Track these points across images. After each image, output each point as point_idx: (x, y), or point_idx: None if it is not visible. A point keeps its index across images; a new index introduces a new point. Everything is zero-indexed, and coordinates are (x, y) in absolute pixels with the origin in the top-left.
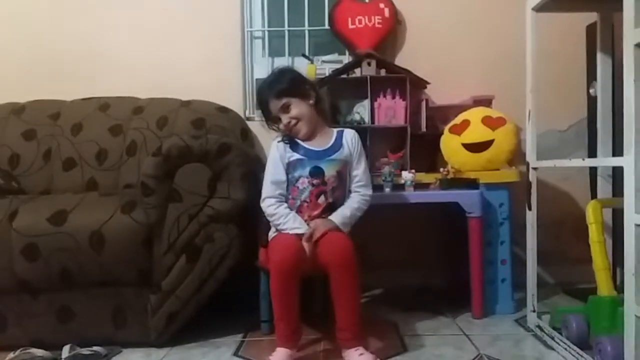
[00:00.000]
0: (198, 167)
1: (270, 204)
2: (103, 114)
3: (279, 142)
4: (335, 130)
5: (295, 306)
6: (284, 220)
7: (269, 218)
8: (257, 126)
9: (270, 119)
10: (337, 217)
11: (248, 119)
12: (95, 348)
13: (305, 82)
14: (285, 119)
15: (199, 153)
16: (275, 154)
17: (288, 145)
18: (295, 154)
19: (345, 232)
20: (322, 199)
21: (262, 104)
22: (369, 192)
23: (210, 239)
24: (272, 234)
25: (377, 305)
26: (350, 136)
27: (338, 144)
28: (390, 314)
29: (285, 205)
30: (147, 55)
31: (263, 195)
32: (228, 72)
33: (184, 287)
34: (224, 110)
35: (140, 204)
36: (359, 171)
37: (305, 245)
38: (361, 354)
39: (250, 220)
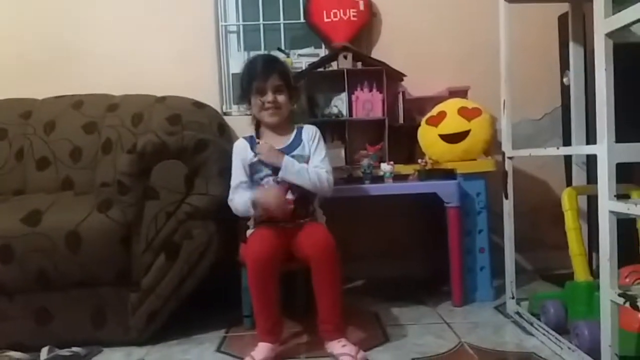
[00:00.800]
0: (174, 163)
1: (231, 199)
2: (76, 111)
3: (240, 141)
4: (296, 127)
5: (275, 299)
6: (241, 200)
7: (235, 212)
8: (234, 121)
9: (251, 91)
10: (289, 160)
11: (225, 114)
12: (74, 349)
13: (297, 85)
14: (270, 97)
15: (175, 150)
16: (236, 157)
17: (249, 145)
18: (256, 155)
19: (288, 175)
20: (289, 195)
21: (257, 71)
22: (329, 176)
23: (189, 236)
24: (249, 230)
25: (359, 297)
26: (308, 132)
27: (297, 141)
28: (372, 305)
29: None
30: (120, 51)
31: (229, 196)
32: (203, 67)
33: (164, 285)
34: (200, 105)
35: (116, 203)
36: (318, 159)
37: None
38: (343, 345)
39: (230, 216)
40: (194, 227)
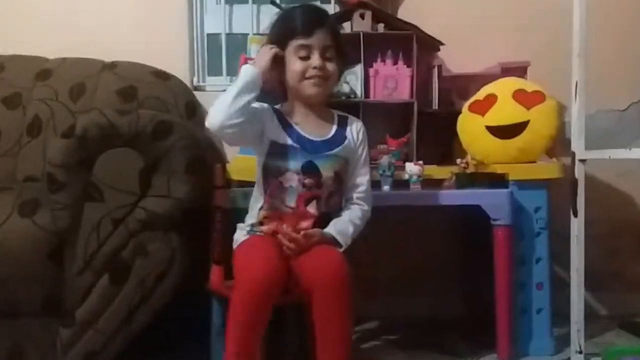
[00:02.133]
0: (126, 153)
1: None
2: None
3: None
4: (336, 114)
5: (259, 342)
6: (229, 90)
7: (217, 123)
8: (208, 98)
9: (286, 47)
10: (335, 230)
11: (196, 88)
12: None
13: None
14: (317, 60)
15: (127, 134)
16: (263, 109)
17: (277, 118)
18: (287, 136)
19: (341, 251)
20: (313, 206)
21: (301, 22)
22: (370, 208)
23: (143, 253)
24: (241, 237)
25: (371, 343)
26: (357, 129)
27: (341, 136)
28: (389, 354)
29: None
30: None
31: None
32: (169, 23)
33: (107, 318)
34: (162, 76)
35: (46, 204)
36: (364, 179)
37: (286, 242)
38: None
39: (199, 227)
40: (150, 240)
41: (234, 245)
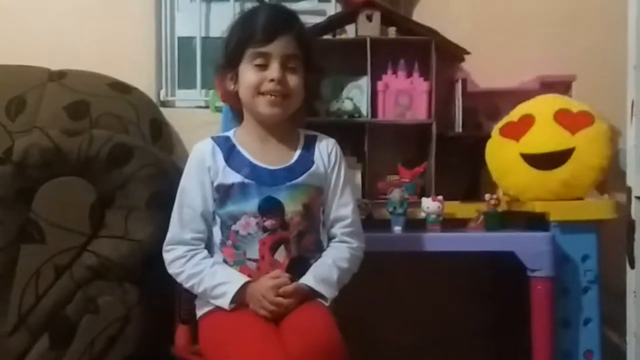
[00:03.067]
0: (74, 183)
1: (176, 257)
2: None
3: (207, 143)
4: (302, 134)
5: None
6: (198, 280)
7: (175, 278)
8: (177, 116)
9: (241, 57)
10: (315, 280)
11: (163, 104)
12: None
13: (317, 62)
14: (276, 71)
15: (76, 160)
16: (197, 165)
17: (222, 152)
18: (234, 173)
19: (329, 302)
20: (281, 253)
21: (258, 25)
22: (363, 244)
23: (93, 309)
24: (204, 305)
25: None
26: (327, 149)
27: (307, 161)
28: None
29: (202, 254)
30: None
31: (167, 237)
32: (131, 25)
33: None
34: (121, 88)
35: None
36: (348, 210)
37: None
38: None
39: (163, 276)
40: (101, 292)
41: (197, 312)
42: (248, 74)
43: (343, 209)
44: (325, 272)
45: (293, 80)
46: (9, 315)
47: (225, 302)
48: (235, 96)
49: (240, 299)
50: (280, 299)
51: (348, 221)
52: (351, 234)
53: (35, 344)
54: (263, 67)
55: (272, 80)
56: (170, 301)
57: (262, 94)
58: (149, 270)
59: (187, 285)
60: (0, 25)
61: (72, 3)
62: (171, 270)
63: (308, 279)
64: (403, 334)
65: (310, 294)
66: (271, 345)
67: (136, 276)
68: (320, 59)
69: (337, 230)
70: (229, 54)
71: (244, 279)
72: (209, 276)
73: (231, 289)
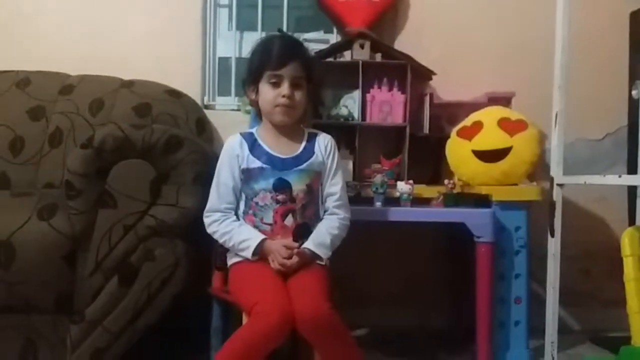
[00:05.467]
0: (139, 164)
1: (213, 220)
2: (21, 91)
3: (236, 137)
4: (307, 132)
5: None
6: (229, 237)
7: (212, 236)
8: (217, 116)
9: (260, 78)
10: (314, 244)
11: (207, 107)
12: None
13: (322, 80)
14: (287, 90)
15: (141, 147)
16: (229, 153)
17: (247, 145)
18: (255, 160)
19: (325, 261)
20: (289, 219)
21: (274, 53)
22: (349, 214)
23: (151, 257)
24: (233, 256)
25: (361, 350)
26: (324, 143)
27: (309, 151)
28: None
29: (232, 219)
30: (80, 21)
31: (207, 206)
32: (183, 47)
33: (115, 317)
34: (175, 94)
35: (63, 209)
36: (337, 188)
37: (276, 265)
38: None
39: (203, 235)
40: (157, 246)
41: (228, 261)
42: (266, 90)
43: (334, 187)
44: (320, 238)
45: (299, 95)
46: (89, 262)
47: (248, 253)
48: (256, 103)
49: (259, 252)
50: (286, 261)
51: (337, 196)
52: (339, 206)
53: (107, 283)
54: (277, 84)
55: (283, 96)
56: (208, 253)
57: (277, 105)
58: (193, 230)
59: (220, 241)
60: (87, 45)
61: (141, 30)
62: (209, 230)
63: (308, 244)
64: (381, 285)
65: (310, 256)
66: (279, 288)
67: (183, 234)
68: (321, 76)
69: (329, 203)
70: (252, 74)
71: (262, 236)
72: (237, 234)
73: (253, 244)
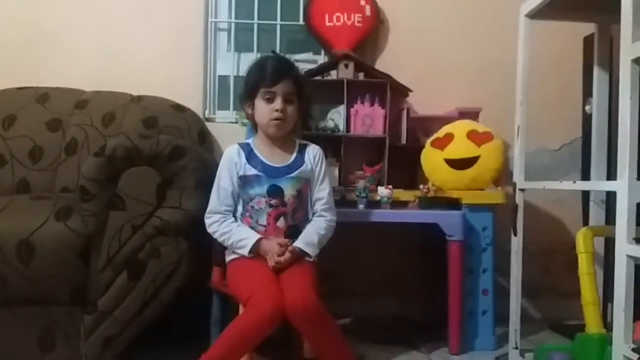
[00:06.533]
0: (146, 171)
1: (213, 221)
2: (40, 106)
3: (234, 147)
4: (297, 142)
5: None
6: (228, 236)
7: (212, 235)
8: (217, 128)
9: (256, 94)
10: (303, 243)
11: (207, 119)
12: None
13: (311, 97)
14: (279, 105)
15: (148, 155)
16: (228, 161)
17: (244, 154)
18: (251, 168)
19: (313, 258)
20: (281, 221)
21: (268, 72)
22: (335, 217)
23: (157, 254)
24: (230, 254)
25: (344, 336)
26: (313, 153)
27: (300, 161)
28: (359, 347)
29: (231, 220)
30: (94, 42)
31: (208, 208)
32: (187, 66)
33: (124, 308)
34: (180, 108)
35: (77, 211)
36: (324, 193)
37: (272, 262)
38: None
39: (204, 235)
40: (162, 244)
41: (226, 258)
42: (261, 105)
43: (322, 192)
44: (309, 237)
45: (290, 109)
46: (101, 258)
47: (245, 251)
48: (252, 117)
49: (255, 250)
50: (280, 258)
51: (324, 200)
52: (326, 209)
53: (117, 278)
54: (270, 100)
55: (277, 110)
56: (208, 251)
57: (271, 119)
58: (195, 230)
59: (220, 240)
60: (100, 64)
61: (148, 51)
62: (210, 230)
63: (298, 243)
64: (363, 279)
65: (300, 253)
66: (271, 282)
67: (186, 233)
68: (310, 92)
69: (317, 207)
70: (248, 90)
71: (258, 236)
72: (235, 234)
73: (249, 243)
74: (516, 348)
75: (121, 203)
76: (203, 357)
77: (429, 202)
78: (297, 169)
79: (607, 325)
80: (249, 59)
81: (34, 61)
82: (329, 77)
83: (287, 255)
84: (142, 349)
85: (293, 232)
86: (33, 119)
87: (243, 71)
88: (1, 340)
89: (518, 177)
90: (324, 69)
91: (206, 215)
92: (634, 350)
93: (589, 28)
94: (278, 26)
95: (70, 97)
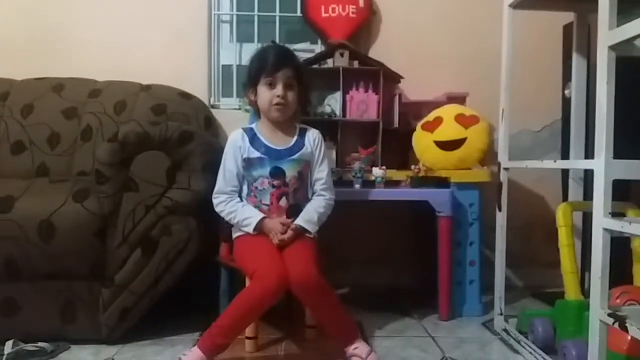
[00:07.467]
0: (157, 155)
1: (220, 201)
2: (57, 95)
3: (238, 132)
4: (298, 127)
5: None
6: (234, 215)
7: (220, 214)
8: (222, 114)
9: (258, 81)
10: (303, 220)
11: (212, 106)
12: (40, 344)
13: (309, 83)
14: (280, 91)
15: (158, 140)
16: (233, 145)
17: (248, 138)
18: (255, 151)
19: (313, 234)
20: (283, 201)
21: (269, 61)
22: (333, 195)
23: (168, 232)
24: (237, 231)
25: (343, 304)
26: (313, 137)
27: (300, 144)
28: (356, 314)
29: (236, 200)
30: (105, 35)
31: (215, 189)
32: (192, 56)
33: (139, 282)
34: (186, 96)
35: (93, 193)
36: (323, 174)
37: (276, 240)
38: (355, 348)
39: (211, 213)
40: (173, 222)
41: (233, 235)
42: (263, 92)
43: (321, 173)
44: (309, 215)
45: (291, 95)
46: (116, 236)
47: (250, 229)
48: (255, 103)
49: (259, 228)
50: (283, 235)
51: (323, 181)
52: (325, 189)
53: (132, 254)
54: (272, 86)
55: (278, 96)
56: (216, 228)
57: (273, 104)
58: (203, 209)
59: (226, 218)
60: (112, 56)
61: (156, 43)
62: (217, 209)
63: (299, 220)
64: (360, 252)
65: (301, 230)
66: (275, 257)
67: (195, 213)
68: (309, 79)
69: (316, 187)
70: (251, 78)
71: (261, 215)
72: (240, 213)
73: (254, 221)
74: (501, 314)
75: (134, 185)
76: (213, 326)
77: (419, 181)
78: (298, 152)
79: (585, 292)
80: (250, 49)
81: (51, 54)
82: (325, 66)
83: (290, 233)
84: (157, 318)
85: (294, 210)
86: (50, 108)
87: (245, 60)
88: (27, 312)
89: (502, 156)
90: (320, 57)
91: (213, 195)
92: (609, 315)
93: (568, 17)
94: (277, 17)
95: (84, 87)
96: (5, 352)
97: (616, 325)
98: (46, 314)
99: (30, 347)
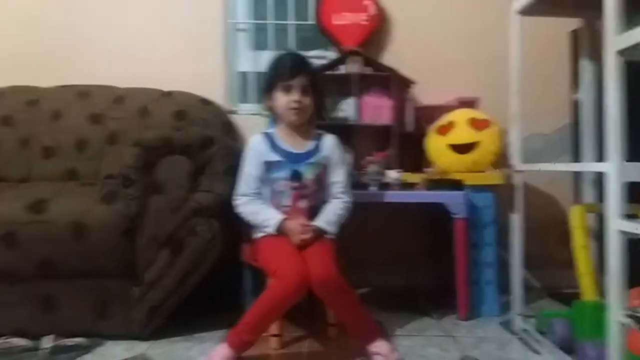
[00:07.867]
0: (180, 159)
1: (242, 202)
2: (82, 102)
3: (258, 136)
4: (315, 132)
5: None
6: (255, 216)
7: (242, 216)
8: (239, 119)
9: (275, 87)
10: (323, 222)
11: (231, 112)
12: (77, 339)
13: (324, 89)
14: (295, 96)
15: (180, 145)
16: (253, 149)
17: (268, 143)
18: (274, 154)
19: (332, 235)
20: (302, 202)
21: (285, 67)
22: (351, 198)
23: (193, 233)
24: (257, 232)
25: (363, 304)
26: (330, 142)
27: (317, 148)
28: (376, 314)
29: (257, 202)
30: (127, 44)
31: (236, 192)
32: (210, 63)
33: (167, 280)
34: (205, 102)
35: (121, 195)
36: (340, 177)
37: (296, 240)
38: (377, 346)
39: (234, 215)
40: (198, 224)
41: (254, 236)
42: (280, 97)
43: (338, 176)
44: (328, 217)
45: (307, 100)
46: (145, 236)
47: (270, 230)
48: (272, 108)
49: (279, 229)
50: (305, 236)
51: (340, 184)
52: (343, 192)
53: (160, 253)
54: (288, 92)
55: (294, 101)
56: (237, 229)
57: (289, 109)
58: (225, 211)
59: (248, 219)
60: (135, 63)
61: (176, 51)
62: (238, 211)
63: (319, 222)
64: (378, 253)
65: (320, 231)
66: (296, 257)
67: (218, 214)
68: (323, 85)
69: (334, 189)
70: (268, 85)
71: (282, 216)
72: (261, 214)
73: (274, 223)
74: (519, 315)
75: (159, 188)
76: (240, 323)
77: (434, 184)
78: (315, 155)
79: (602, 293)
80: (265, 56)
81: (77, 63)
82: (339, 72)
83: (310, 233)
84: (186, 317)
85: (312, 212)
86: (77, 114)
87: (261, 68)
88: (63, 309)
89: (515, 160)
90: (334, 64)
91: (234, 197)
92: (627, 316)
93: (575, 22)
94: (291, 26)
95: (108, 94)
96: (45, 346)
97: (635, 326)
98: (81, 310)
99: (69, 341)
